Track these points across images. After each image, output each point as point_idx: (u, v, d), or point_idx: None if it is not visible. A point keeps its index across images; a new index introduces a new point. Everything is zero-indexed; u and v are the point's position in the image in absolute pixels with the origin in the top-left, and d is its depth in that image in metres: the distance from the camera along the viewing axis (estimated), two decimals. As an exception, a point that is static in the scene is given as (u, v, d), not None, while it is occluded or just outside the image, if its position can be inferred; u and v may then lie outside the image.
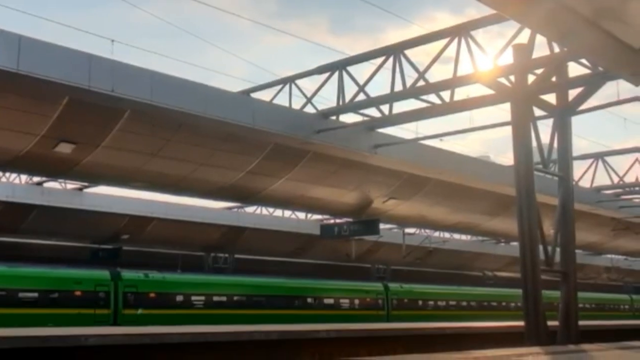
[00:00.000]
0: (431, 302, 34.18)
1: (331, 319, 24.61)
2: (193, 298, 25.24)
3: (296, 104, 18.01)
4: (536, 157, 14.70)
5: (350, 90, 17.16)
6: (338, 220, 27.70)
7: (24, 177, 26.24)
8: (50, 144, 16.13)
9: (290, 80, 18.10)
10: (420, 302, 33.53)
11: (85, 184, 25.17)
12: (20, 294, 21.35)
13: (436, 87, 15.86)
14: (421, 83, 15.73)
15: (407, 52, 16.06)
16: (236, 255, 34.32)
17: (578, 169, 23.88)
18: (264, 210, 33.43)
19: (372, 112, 17.95)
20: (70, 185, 26.22)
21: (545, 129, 15.72)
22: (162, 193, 24.13)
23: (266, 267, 34.88)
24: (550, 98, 15.29)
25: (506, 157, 51.35)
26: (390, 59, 16.10)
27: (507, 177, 18.16)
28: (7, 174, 26.17)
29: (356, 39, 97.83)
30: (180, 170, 18.78)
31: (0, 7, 15.15)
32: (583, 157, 24.28)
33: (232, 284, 27.53)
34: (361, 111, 18.22)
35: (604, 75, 14.09)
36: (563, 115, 15.04)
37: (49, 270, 22.94)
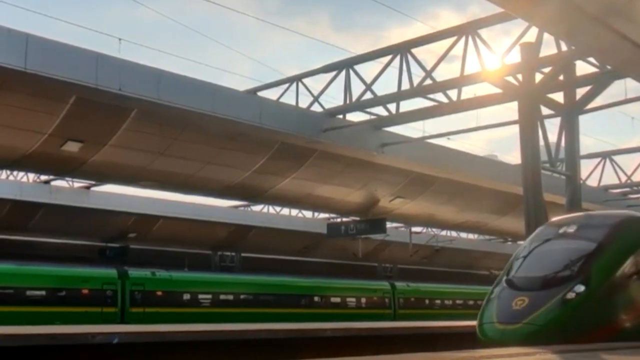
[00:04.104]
0: (438, 301, 34.11)
1: (338, 318, 24.58)
2: (200, 296, 25.25)
3: (303, 103, 18.02)
4: (543, 156, 14.66)
5: (356, 89, 17.20)
6: (345, 219, 27.71)
7: (31, 176, 26.32)
8: (57, 142, 16.18)
9: (297, 79, 18.11)
10: (426, 301, 33.46)
11: (93, 182, 25.22)
12: (28, 292, 21.39)
13: (443, 86, 15.85)
14: (428, 82, 15.71)
15: (412, 49, 16.06)
16: (243, 254, 34.32)
17: (585, 167, 23.83)
18: (271, 209, 33.46)
19: (379, 110, 17.96)
20: (78, 183, 26.28)
21: (552, 128, 15.70)
22: (169, 192, 24.17)
23: (273, 265, 34.88)
24: (558, 97, 15.26)
25: (512, 156, 51.31)
26: (397, 58, 16.10)
27: (514, 176, 18.12)
28: (15, 173, 26.26)
29: (358, 36, 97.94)
30: (187, 169, 18.80)
31: (7, 6, 15.22)
32: (590, 156, 24.20)
33: (239, 282, 27.53)
34: (368, 110, 18.22)
35: (611, 74, 14.06)
36: (570, 114, 15.01)
37: (56, 269, 22.97)
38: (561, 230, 10.75)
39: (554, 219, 11.60)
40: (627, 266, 9.72)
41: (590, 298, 9.18)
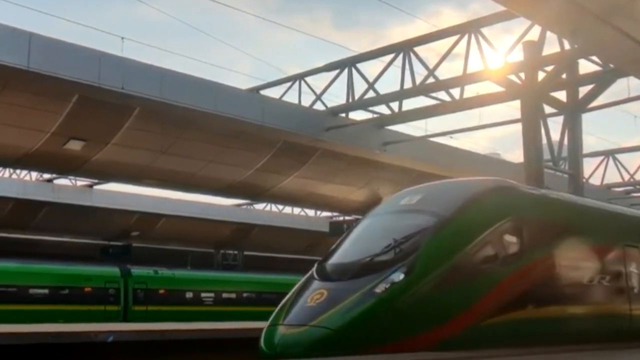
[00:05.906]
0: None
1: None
2: (202, 295, 25.29)
3: (305, 101, 18.01)
4: (546, 155, 14.64)
5: (359, 87, 17.16)
6: (347, 218, 27.69)
7: (34, 174, 26.38)
8: (60, 141, 16.21)
9: (299, 77, 18.08)
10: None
11: (95, 181, 25.26)
12: (31, 291, 21.43)
13: (446, 85, 15.81)
14: (430, 80, 15.68)
15: (414, 48, 16.04)
16: (245, 252, 34.36)
17: (588, 166, 23.75)
18: (274, 208, 33.48)
19: (382, 109, 17.92)
20: (81, 182, 26.33)
21: (555, 126, 15.68)
22: (171, 190, 24.19)
23: (275, 264, 34.89)
24: (561, 95, 15.23)
25: (514, 155, 51.23)
26: (400, 57, 16.08)
27: (516, 175, 18.08)
28: (18, 171, 26.31)
29: (360, 34, 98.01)
30: (190, 167, 18.82)
31: (10, 5, 15.23)
32: (593, 154, 24.11)
33: (241, 280, 27.56)
34: (370, 108, 18.19)
35: (614, 72, 14.03)
36: (573, 112, 14.98)
37: (60, 267, 23.02)
38: (403, 202, 8.15)
39: (404, 190, 8.88)
40: (474, 247, 7.24)
41: (411, 290, 6.69)
